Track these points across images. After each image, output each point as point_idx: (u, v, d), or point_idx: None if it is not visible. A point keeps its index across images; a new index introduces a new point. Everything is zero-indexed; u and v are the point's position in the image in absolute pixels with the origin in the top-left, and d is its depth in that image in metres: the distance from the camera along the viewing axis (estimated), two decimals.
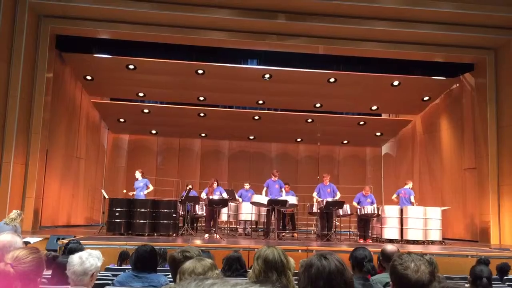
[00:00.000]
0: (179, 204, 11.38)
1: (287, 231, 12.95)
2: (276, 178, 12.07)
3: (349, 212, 12.00)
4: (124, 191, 12.09)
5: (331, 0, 11.24)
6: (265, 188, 11.96)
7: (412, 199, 11.88)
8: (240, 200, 12.57)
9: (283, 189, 12.00)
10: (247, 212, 12.18)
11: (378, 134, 17.81)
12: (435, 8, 11.52)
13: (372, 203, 11.86)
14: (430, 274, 2.05)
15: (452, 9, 11.56)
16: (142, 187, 11.68)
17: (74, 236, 8.75)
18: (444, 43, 12.48)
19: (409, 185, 12.22)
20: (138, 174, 11.90)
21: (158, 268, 4.23)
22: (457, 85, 14.37)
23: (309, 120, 16.78)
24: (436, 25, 11.93)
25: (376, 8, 11.48)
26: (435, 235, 11.60)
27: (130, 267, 5.02)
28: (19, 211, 7.86)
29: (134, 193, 11.73)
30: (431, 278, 2.05)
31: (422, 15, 11.72)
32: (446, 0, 11.56)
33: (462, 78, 14.02)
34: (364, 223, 11.90)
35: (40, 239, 8.67)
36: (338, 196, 12.00)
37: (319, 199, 11.93)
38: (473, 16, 11.69)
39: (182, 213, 11.83)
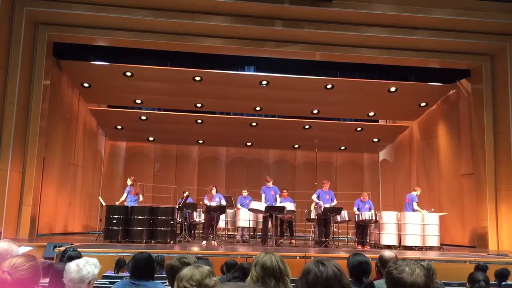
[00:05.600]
0: (176, 211, 11.34)
1: (285, 238, 12.93)
2: (271, 184, 12.07)
3: (346, 218, 11.99)
4: (117, 203, 11.89)
5: (327, 7, 11.30)
6: (263, 195, 11.96)
7: (415, 206, 11.84)
8: (239, 206, 12.53)
9: (277, 196, 12.00)
10: (245, 218, 12.15)
11: (376, 140, 17.84)
12: (431, 14, 11.60)
13: (370, 209, 11.86)
14: (425, 277, 2.06)
15: (448, 15, 11.64)
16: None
17: (71, 244, 8.71)
18: (441, 49, 12.55)
19: (416, 192, 12.15)
20: (128, 182, 11.86)
21: (155, 275, 4.21)
22: (454, 91, 14.42)
23: (307, 127, 16.81)
24: (433, 32, 12.00)
25: (373, 15, 11.55)
26: (433, 241, 11.59)
27: (127, 274, 5.00)
28: None
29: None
30: (426, 280, 2.05)
31: (418, 22, 11.79)
32: (442, 7, 11.64)
33: (459, 84, 14.07)
34: (362, 229, 11.88)
35: (31, 248, 8.57)
36: (334, 203, 12.01)
37: (318, 201, 11.93)
38: (469, 22, 11.77)
39: (180, 220, 11.79)
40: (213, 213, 10.83)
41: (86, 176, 15.44)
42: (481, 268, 5.67)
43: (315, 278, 2.07)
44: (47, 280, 3.69)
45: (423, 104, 15.49)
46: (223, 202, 11.76)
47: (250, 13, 11.52)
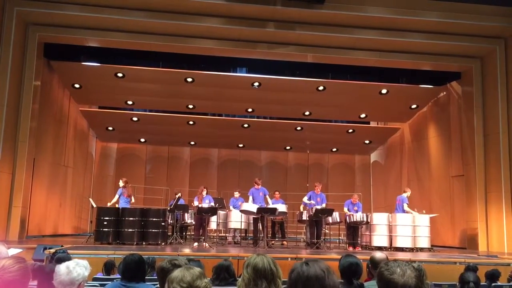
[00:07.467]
0: (168, 213, 11.30)
1: (277, 239, 12.92)
2: (259, 186, 12.06)
3: (338, 220, 12.00)
4: (109, 204, 11.89)
5: (319, 9, 11.33)
6: (250, 198, 11.94)
7: (405, 207, 11.89)
8: (232, 208, 12.48)
9: (267, 197, 12.00)
10: (237, 220, 12.12)
11: (367, 142, 17.91)
12: (423, 17, 11.68)
13: (357, 212, 11.89)
14: (416, 278, 2.09)
15: (439, 18, 11.74)
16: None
17: (61, 246, 8.64)
18: (432, 52, 12.62)
19: (406, 193, 12.20)
20: (120, 183, 11.85)
21: (146, 277, 4.19)
22: (444, 93, 14.52)
23: (298, 128, 16.83)
24: (424, 34, 12.08)
25: (365, 17, 11.60)
26: (424, 242, 11.64)
27: (118, 276, 4.97)
28: None
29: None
30: (417, 282, 2.08)
31: (409, 24, 11.85)
32: (434, 10, 11.72)
33: (449, 86, 14.17)
34: (353, 230, 11.91)
35: (20, 250, 8.51)
36: (323, 206, 12.03)
37: (310, 202, 11.94)
38: (460, 25, 11.87)
39: (171, 221, 11.75)
40: (204, 214, 10.81)
41: (76, 178, 15.34)
42: (471, 268, 5.71)
43: (296, 276, 2.15)
44: (35, 282, 3.66)
45: (414, 106, 15.59)
46: (212, 204, 11.74)
47: (242, 15, 11.52)
